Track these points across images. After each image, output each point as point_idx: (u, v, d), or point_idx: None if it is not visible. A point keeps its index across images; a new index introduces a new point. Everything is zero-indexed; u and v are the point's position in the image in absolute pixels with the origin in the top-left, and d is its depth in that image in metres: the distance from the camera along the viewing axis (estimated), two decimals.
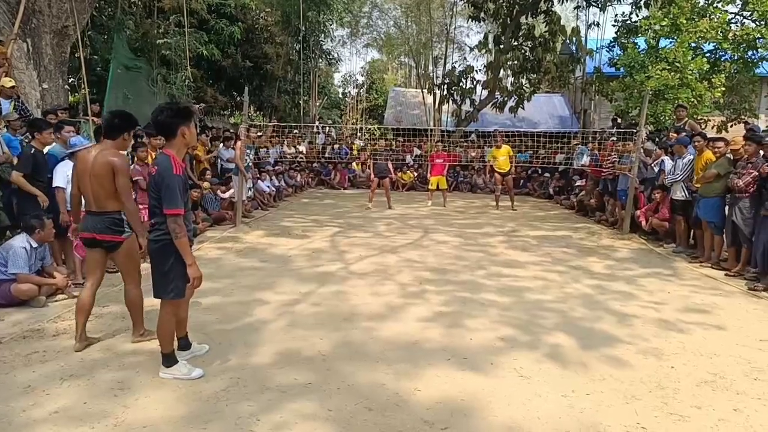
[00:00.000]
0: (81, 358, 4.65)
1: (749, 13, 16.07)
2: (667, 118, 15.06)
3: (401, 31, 34.47)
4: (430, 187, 16.35)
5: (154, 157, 8.82)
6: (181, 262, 4.13)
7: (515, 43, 22.20)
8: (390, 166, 16.18)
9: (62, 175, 6.66)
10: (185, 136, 4.20)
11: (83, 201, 4.92)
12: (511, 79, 24.33)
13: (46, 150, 7.14)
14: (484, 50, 24.93)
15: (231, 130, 16.36)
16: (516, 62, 22.21)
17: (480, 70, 25.94)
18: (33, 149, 6.87)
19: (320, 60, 31.89)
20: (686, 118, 12.40)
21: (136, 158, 8.41)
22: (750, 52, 15.94)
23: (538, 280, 7.63)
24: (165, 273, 4.14)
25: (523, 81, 23.07)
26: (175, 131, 4.15)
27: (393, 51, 39.61)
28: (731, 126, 17.69)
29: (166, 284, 4.17)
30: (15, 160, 6.89)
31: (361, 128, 34.12)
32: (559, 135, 19.84)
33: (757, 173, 7.70)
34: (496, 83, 22.69)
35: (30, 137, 7.18)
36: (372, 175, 15.99)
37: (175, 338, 4.55)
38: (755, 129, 9.79)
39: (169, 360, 4.33)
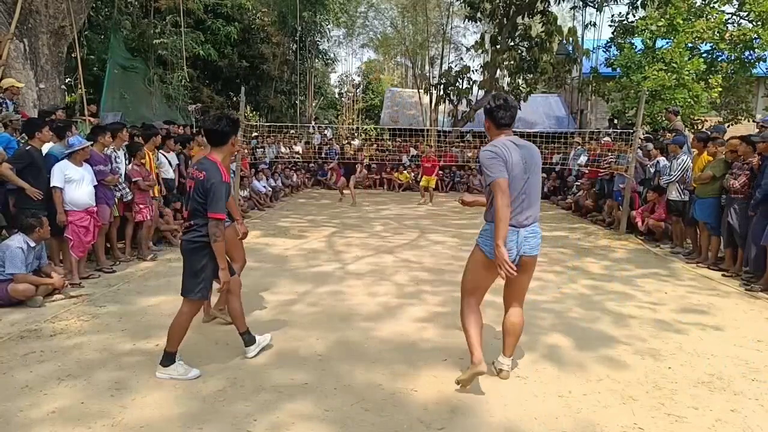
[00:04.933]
0: (78, 358, 4.64)
1: (746, 14, 16.14)
2: (663, 118, 15.10)
3: (398, 31, 34.50)
4: (421, 185, 17.25)
5: (151, 158, 8.81)
6: (212, 265, 4.30)
7: (512, 44, 22.24)
8: (358, 167, 18.23)
9: (60, 176, 6.65)
10: (233, 145, 4.56)
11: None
12: (507, 79, 24.37)
13: (46, 150, 7.13)
14: (480, 50, 24.96)
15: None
16: (512, 62, 22.25)
17: (476, 70, 26.00)
18: (28, 146, 6.86)
19: (316, 60, 31.89)
20: (677, 121, 12.45)
21: (133, 159, 8.37)
22: (747, 53, 16.01)
23: (535, 281, 7.57)
24: (196, 273, 4.30)
25: (520, 81, 23.10)
26: (227, 140, 4.45)
27: (389, 51, 39.63)
28: (728, 126, 17.76)
29: (195, 285, 4.32)
30: None
31: (358, 128, 34.09)
32: (555, 135, 19.87)
33: (750, 172, 7.73)
34: (492, 83, 22.70)
35: (27, 137, 7.17)
36: (339, 175, 17.56)
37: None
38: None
39: (168, 359, 4.35)
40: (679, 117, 12.67)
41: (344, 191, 16.79)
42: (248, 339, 4.75)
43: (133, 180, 8.18)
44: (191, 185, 4.38)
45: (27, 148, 6.86)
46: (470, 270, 4.32)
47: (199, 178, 4.27)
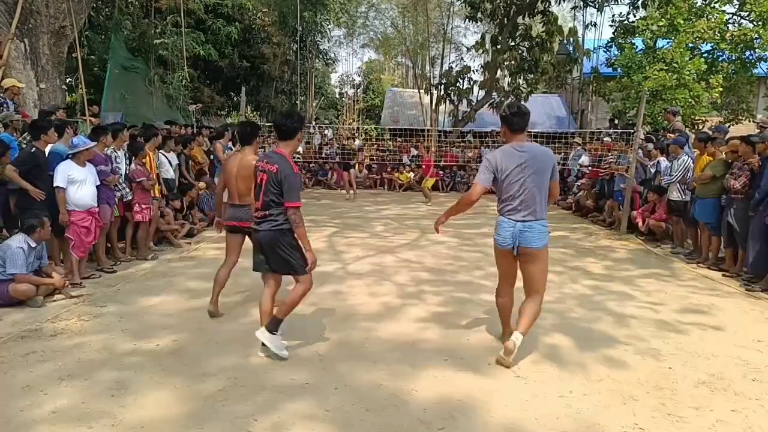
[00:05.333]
0: (79, 358, 4.64)
1: (747, 14, 16.14)
2: (664, 118, 15.09)
3: (398, 31, 34.48)
4: (423, 185, 17.23)
5: (151, 158, 8.81)
6: (295, 247, 4.68)
7: (512, 44, 22.20)
8: (355, 164, 18.98)
9: (63, 176, 6.65)
10: (299, 140, 4.91)
11: (225, 196, 5.92)
12: (508, 79, 24.30)
13: (49, 148, 7.13)
14: (481, 50, 24.91)
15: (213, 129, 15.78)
16: (513, 62, 22.21)
17: (477, 70, 25.94)
18: (33, 148, 6.86)
19: (317, 60, 31.90)
20: (676, 121, 12.45)
21: (135, 159, 8.37)
22: (747, 53, 16.00)
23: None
24: (290, 253, 4.67)
25: (520, 81, 23.06)
26: (295, 135, 4.78)
27: (390, 51, 39.62)
28: (729, 126, 17.75)
29: (299, 262, 4.68)
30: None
31: (358, 128, 34.07)
32: (556, 135, 19.85)
33: (750, 172, 7.73)
34: (493, 83, 22.67)
35: (30, 138, 7.17)
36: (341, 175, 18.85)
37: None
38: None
39: (275, 326, 4.70)
40: (678, 117, 12.66)
41: (350, 191, 17.52)
42: (272, 327, 4.78)
43: (137, 180, 8.18)
44: (263, 178, 4.61)
45: (32, 150, 6.84)
46: (496, 259, 5.02)
47: (272, 170, 4.55)
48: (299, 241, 4.65)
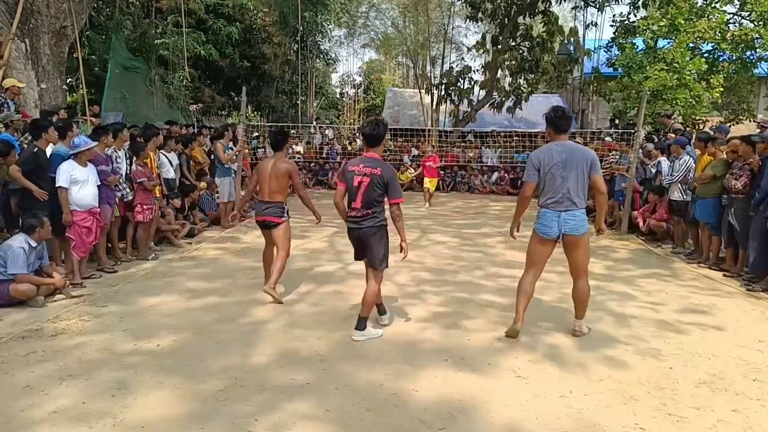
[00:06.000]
0: (80, 358, 4.65)
1: (747, 14, 16.12)
2: (658, 123, 15.07)
3: (399, 31, 34.44)
4: (424, 186, 16.42)
5: (152, 158, 8.81)
6: (384, 243, 5.30)
7: (513, 44, 22.19)
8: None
9: (66, 176, 6.64)
10: (385, 145, 5.48)
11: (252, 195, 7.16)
12: (508, 79, 24.29)
13: (52, 150, 7.14)
14: (481, 50, 24.91)
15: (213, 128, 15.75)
16: (514, 62, 22.20)
17: (478, 70, 25.93)
18: (36, 148, 6.86)
19: (318, 60, 31.90)
20: (671, 124, 12.46)
21: (136, 159, 8.38)
22: (748, 53, 15.97)
23: (537, 281, 7.63)
24: (381, 250, 5.28)
25: (521, 81, 23.04)
26: (382, 141, 5.40)
27: (390, 51, 39.57)
28: (730, 126, 17.75)
29: (382, 259, 5.30)
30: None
31: (359, 128, 34.07)
32: None
33: (751, 172, 7.73)
34: (493, 83, 22.67)
35: (31, 138, 7.17)
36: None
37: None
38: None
39: (362, 324, 5.25)
40: (673, 118, 12.67)
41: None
42: (361, 326, 5.30)
43: (138, 180, 8.19)
44: (365, 180, 5.14)
45: (34, 149, 6.84)
46: (529, 247, 5.45)
47: (376, 173, 5.13)
48: (398, 233, 5.25)
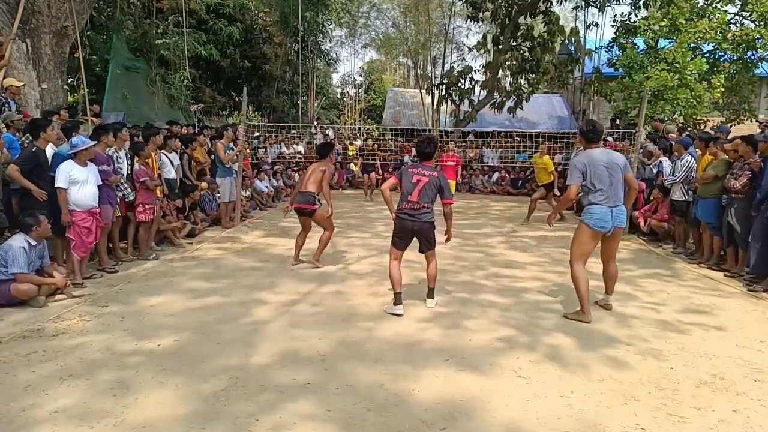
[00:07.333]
0: (81, 358, 4.65)
1: (748, 14, 16.10)
2: (666, 118, 15.07)
3: (400, 31, 34.48)
4: None
5: (153, 158, 8.81)
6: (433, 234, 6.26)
7: (514, 44, 22.16)
8: (377, 164, 19.00)
9: (64, 176, 6.65)
10: (434, 157, 6.42)
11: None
12: (509, 79, 24.28)
13: (55, 150, 7.14)
14: (482, 50, 24.91)
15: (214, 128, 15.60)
16: (514, 62, 22.17)
17: (478, 70, 25.92)
18: (35, 147, 6.86)
19: (318, 60, 31.90)
20: (663, 128, 12.48)
21: (137, 159, 8.38)
22: (749, 53, 15.97)
23: (538, 281, 7.65)
24: (432, 238, 6.26)
25: (522, 81, 23.02)
26: (434, 155, 6.36)
27: (391, 51, 39.61)
28: (731, 126, 17.74)
29: (433, 244, 6.31)
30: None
31: (360, 128, 34.07)
32: (557, 135, 19.83)
33: (751, 173, 7.73)
34: (494, 83, 22.64)
35: (31, 137, 7.17)
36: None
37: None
38: None
39: (433, 294, 6.40)
40: (672, 119, 12.69)
41: (369, 193, 17.47)
42: (431, 295, 6.44)
43: (141, 180, 8.19)
44: (423, 180, 6.05)
45: (33, 149, 6.85)
46: (577, 241, 5.99)
47: (434, 176, 6.08)
48: (445, 226, 6.39)
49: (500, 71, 23.24)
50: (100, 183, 7.16)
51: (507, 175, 20.30)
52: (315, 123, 26.16)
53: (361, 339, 5.29)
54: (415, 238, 6.25)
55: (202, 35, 19.95)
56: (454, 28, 32.39)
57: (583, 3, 23.14)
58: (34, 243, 6.17)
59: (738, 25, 16.59)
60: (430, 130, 23.58)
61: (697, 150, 9.33)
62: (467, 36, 46.49)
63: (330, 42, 33.87)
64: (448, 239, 6.47)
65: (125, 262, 8.13)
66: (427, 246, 6.29)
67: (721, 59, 16.45)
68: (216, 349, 4.93)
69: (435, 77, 29.35)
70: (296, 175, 18.98)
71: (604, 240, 6.01)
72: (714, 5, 16.01)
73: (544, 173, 13.76)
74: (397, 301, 6.09)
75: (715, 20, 15.36)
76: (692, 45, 15.63)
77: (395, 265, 6.23)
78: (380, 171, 18.59)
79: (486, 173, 20.66)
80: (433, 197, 6.12)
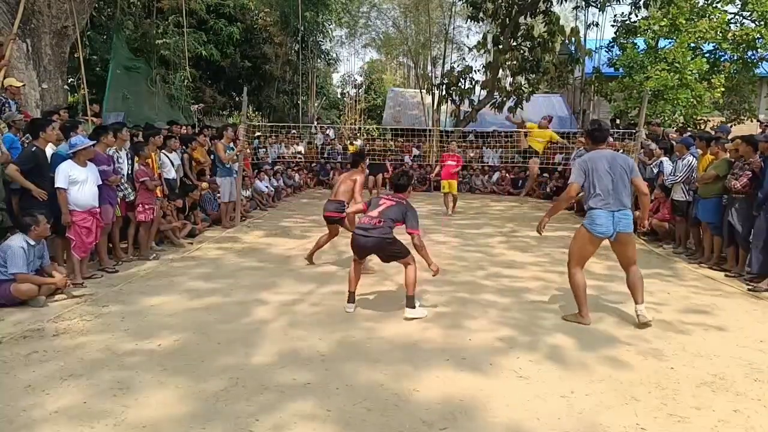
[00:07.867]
0: (81, 358, 4.65)
1: (749, 14, 16.12)
2: (666, 118, 15.07)
3: (400, 31, 34.49)
4: (442, 190, 14.47)
5: (154, 157, 8.82)
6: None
7: (514, 44, 22.18)
8: (388, 165, 18.45)
9: (64, 176, 6.64)
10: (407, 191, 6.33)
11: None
12: (509, 79, 24.30)
13: (55, 150, 7.13)
14: (482, 50, 24.91)
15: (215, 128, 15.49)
16: (515, 62, 22.19)
17: (479, 70, 25.95)
18: (34, 147, 6.86)
19: (319, 60, 31.88)
20: (660, 132, 12.51)
21: (137, 159, 8.38)
22: (749, 53, 15.99)
23: (538, 281, 7.64)
24: (397, 251, 6.11)
25: (522, 81, 23.04)
26: (407, 188, 6.29)
27: (392, 51, 39.62)
28: (732, 126, 17.73)
29: (401, 255, 6.11)
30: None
31: (360, 128, 34.07)
32: (557, 135, 19.82)
33: (751, 173, 7.73)
34: (494, 83, 22.66)
35: (31, 137, 7.17)
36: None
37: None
38: None
39: (412, 302, 5.92)
40: (673, 120, 12.72)
41: (372, 190, 16.63)
42: (410, 304, 5.94)
43: (141, 180, 8.19)
44: (388, 203, 6.05)
45: (33, 149, 6.84)
46: (577, 245, 5.86)
47: (402, 203, 6.04)
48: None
49: (500, 71, 23.25)
50: (100, 183, 7.16)
51: (507, 175, 20.29)
52: (315, 123, 26.16)
53: (361, 339, 5.29)
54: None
55: (202, 35, 19.94)
56: (454, 28, 32.45)
57: (584, 3, 23.16)
58: (33, 243, 6.16)
59: (738, 24, 16.60)
60: (430, 130, 23.59)
61: (698, 150, 9.33)
62: (467, 36, 46.63)
63: (330, 42, 33.89)
64: (434, 273, 6.13)
65: (125, 262, 8.13)
66: (391, 259, 6.24)
67: (722, 59, 16.47)
68: (216, 349, 4.93)
69: (435, 77, 29.39)
70: (296, 175, 19.05)
71: (614, 247, 5.84)
72: (714, 5, 16.03)
73: (536, 143, 13.71)
74: (349, 299, 6.10)
75: (715, 20, 15.38)
76: (692, 45, 15.65)
77: (354, 266, 6.20)
78: (390, 171, 18.03)
79: (486, 173, 20.67)
80: (395, 218, 5.98)
